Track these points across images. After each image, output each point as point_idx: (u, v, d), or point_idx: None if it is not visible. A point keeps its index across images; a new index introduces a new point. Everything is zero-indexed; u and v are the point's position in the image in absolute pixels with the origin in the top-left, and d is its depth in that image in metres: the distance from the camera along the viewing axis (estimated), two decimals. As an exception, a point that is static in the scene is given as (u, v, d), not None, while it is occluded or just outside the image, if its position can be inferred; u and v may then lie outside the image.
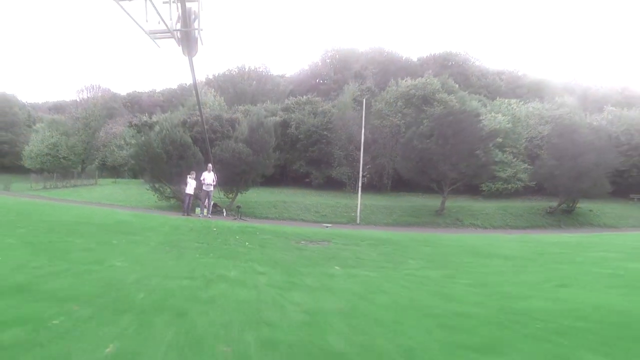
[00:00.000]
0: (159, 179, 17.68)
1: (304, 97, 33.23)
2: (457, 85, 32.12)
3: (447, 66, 43.18)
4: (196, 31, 3.91)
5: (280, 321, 2.25)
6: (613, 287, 3.75)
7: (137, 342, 1.74)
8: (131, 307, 2.28)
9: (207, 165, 14.11)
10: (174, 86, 61.85)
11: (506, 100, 30.72)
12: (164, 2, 3.52)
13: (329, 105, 30.60)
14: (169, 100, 53.57)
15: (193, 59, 4.29)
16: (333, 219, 18.71)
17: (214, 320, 2.18)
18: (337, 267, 4.84)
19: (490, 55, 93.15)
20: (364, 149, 21.81)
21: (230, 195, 19.05)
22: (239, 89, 46.59)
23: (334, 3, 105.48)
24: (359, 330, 2.17)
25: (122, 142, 36.91)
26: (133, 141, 27.13)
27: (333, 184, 26.37)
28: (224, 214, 16.35)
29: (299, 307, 2.62)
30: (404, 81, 29.01)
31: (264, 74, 51.38)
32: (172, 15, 3.65)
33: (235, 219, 14.53)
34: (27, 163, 33.60)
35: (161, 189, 18.20)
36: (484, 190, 24.52)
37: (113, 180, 33.46)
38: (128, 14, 3.14)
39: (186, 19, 3.71)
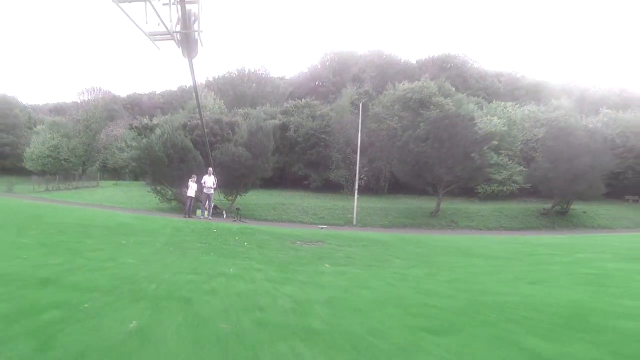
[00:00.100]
0: (160, 181, 18.01)
1: (303, 100, 33.69)
2: (453, 88, 32.45)
3: (445, 68, 43.31)
4: (196, 33, 3.94)
5: (272, 307, 2.66)
6: (582, 285, 3.98)
7: (154, 320, 2.15)
8: (145, 296, 2.68)
9: (207, 169, 14.58)
10: (174, 88, 62.31)
11: (502, 103, 31.07)
12: (163, 4, 3.55)
13: (327, 109, 31.00)
14: (169, 102, 53.92)
15: (193, 60, 4.36)
16: (330, 220, 19.05)
17: (216, 306, 2.58)
18: (327, 265, 5.22)
19: (488, 57, 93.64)
20: (361, 152, 22.13)
21: (230, 198, 19.39)
22: (239, 91, 46.99)
23: (333, 5, 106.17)
24: (338, 315, 2.55)
25: (123, 144, 37.29)
26: (134, 143, 27.46)
27: (331, 187, 26.65)
28: (224, 215, 16.68)
29: (289, 297, 3.01)
30: (401, 85, 29.32)
31: (263, 76, 51.80)
32: (172, 17, 3.68)
33: (234, 220, 14.89)
34: (28, 165, 33.83)
35: (162, 191, 18.54)
36: (480, 193, 24.79)
37: (114, 182, 33.80)
38: (128, 15, 3.22)
39: (186, 20, 3.74)
